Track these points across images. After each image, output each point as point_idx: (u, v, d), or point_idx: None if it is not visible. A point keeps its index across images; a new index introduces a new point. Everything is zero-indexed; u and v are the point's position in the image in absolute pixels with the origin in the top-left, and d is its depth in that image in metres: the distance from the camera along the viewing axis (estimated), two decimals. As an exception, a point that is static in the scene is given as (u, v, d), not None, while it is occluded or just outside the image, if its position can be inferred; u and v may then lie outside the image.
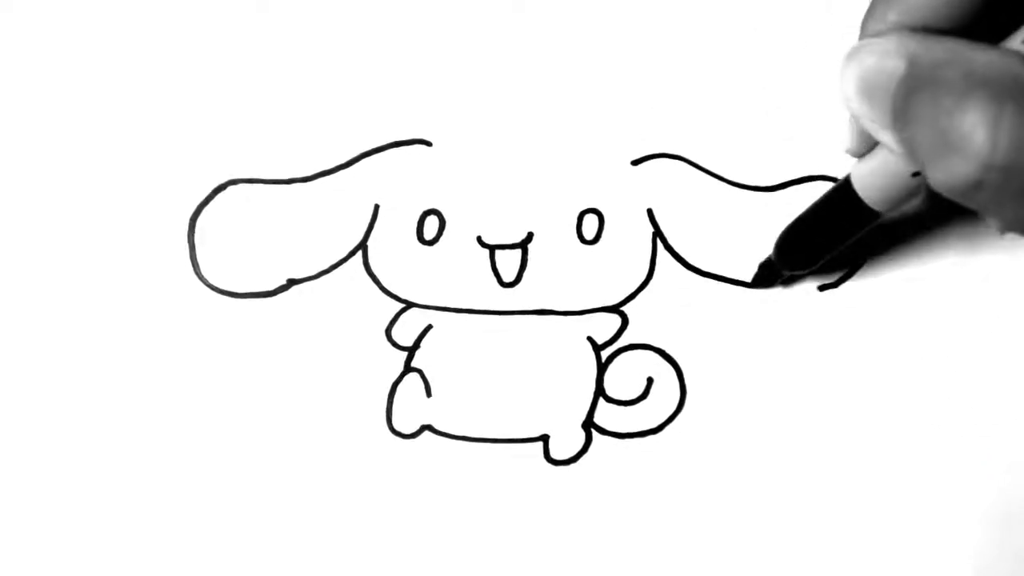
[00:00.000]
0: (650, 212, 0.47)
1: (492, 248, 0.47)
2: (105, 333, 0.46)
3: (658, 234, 0.47)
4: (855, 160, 0.38)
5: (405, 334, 0.47)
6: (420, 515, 0.47)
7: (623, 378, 0.47)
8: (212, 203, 0.46)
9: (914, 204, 0.40)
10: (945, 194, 0.28)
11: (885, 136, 0.31)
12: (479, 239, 0.47)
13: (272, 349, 0.46)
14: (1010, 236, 0.47)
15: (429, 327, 0.47)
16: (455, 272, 0.47)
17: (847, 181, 0.38)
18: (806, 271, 0.45)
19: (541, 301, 0.47)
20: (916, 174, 0.34)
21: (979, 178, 0.26)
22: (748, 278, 0.47)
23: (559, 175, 0.47)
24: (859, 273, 0.47)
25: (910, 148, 0.29)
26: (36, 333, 0.46)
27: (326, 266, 0.47)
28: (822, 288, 0.47)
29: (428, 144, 0.47)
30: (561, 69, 0.47)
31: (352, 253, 0.47)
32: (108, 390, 0.46)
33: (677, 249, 0.47)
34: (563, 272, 0.47)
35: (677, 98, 0.47)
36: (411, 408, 0.47)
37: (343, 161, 0.47)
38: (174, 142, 0.46)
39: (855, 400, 0.47)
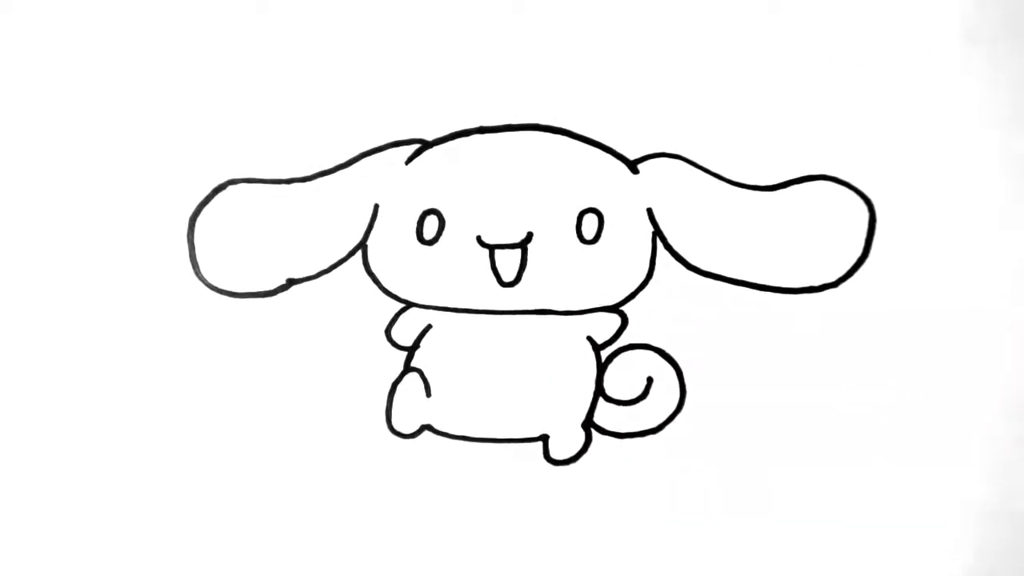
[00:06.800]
0: (650, 212, 0.47)
1: (492, 248, 0.47)
2: (106, 332, 0.46)
3: (658, 234, 0.47)
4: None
5: (405, 334, 0.47)
6: (420, 514, 0.47)
7: (623, 378, 0.47)
8: (212, 203, 0.46)
9: None
10: None
11: None
12: (479, 239, 0.47)
13: (272, 349, 0.46)
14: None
15: (429, 327, 0.47)
16: (455, 272, 0.47)
17: None
18: None
19: (541, 301, 0.47)
20: None
21: None
22: (748, 278, 0.47)
23: (559, 175, 0.47)
24: (859, 273, 0.47)
25: None
26: (37, 331, 0.46)
27: (326, 266, 0.47)
28: (822, 288, 0.47)
29: (428, 144, 0.47)
30: (561, 70, 0.47)
31: (352, 253, 0.47)
32: (109, 388, 0.46)
33: (677, 249, 0.47)
34: (563, 272, 0.47)
35: (677, 98, 0.47)
36: (411, 408, 0.47)
37: (343, 161, 0.47)
38: (174, 142, 0.46)
39: (854, 398, 0.47)
